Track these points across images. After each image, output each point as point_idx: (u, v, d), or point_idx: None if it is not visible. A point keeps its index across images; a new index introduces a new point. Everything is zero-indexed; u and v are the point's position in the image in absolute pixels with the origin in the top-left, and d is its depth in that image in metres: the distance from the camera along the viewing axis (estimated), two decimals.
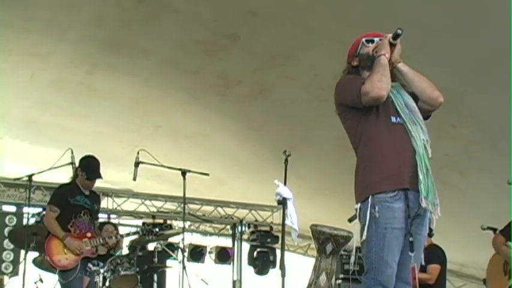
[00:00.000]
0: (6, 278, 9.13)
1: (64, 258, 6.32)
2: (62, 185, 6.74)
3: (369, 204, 3.48)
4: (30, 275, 7.48)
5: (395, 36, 3.63)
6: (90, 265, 6.52)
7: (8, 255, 9.46)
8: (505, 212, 7.34)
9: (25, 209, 9.40)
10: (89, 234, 6.48)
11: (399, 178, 3.50)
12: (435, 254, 6.67)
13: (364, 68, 3.74)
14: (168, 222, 10.40)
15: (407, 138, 3.56)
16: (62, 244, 6.33)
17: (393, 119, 3.60)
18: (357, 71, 3.79)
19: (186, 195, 7.37)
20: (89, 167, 6.57)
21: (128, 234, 7.63)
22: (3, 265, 9.42)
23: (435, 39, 6.11)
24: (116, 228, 7.78)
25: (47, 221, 6.58)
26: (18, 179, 8.23)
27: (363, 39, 3.77)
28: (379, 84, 3.52)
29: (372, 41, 3.75)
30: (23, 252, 8.14)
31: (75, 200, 6.49)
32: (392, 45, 3.64)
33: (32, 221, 9.23)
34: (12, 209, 9.92)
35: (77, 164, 6.66)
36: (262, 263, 10.95)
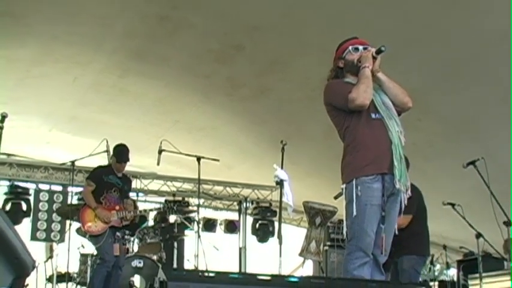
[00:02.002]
0: (54, 244, 9.14)
1: (94, 225, 6.32)
2: (100, 166, 6.78)
3: (353, 185, 3.48)
4: (74, 242, 7.50)
5: (378, 52, 3.61)
6: (118, 233, 6.49)
7: (56, 226, 9.45)
8: (461, 190, 7.33)
9: (69, 189, 9.38)
10: (117, 208, 6.47)
11: (378, 164, 3.50)
12: None
13: (348, 72, 3.72)
14: (186, 199, 10.39)
15: (384, 131, 3.56)
16: (94, 213, 6.33)
17: (373, 115, 3.59)
18: (342, 72, 3.75)
19: (200, 177, 7.36)
20: (118, 152, 6.59)
21: (152, 210, 7.62)
22: (52, 234, 9.41)
23: (405, 48, 6.08)
24: (134, 202, 7.69)
25: (84, 192, 6.60)
26: (64, 164, 8.20)
27: (350, 47, 3.72)
28: (364, 95, 3.51)
29: (357, 49, 3.71)
30: (68, 223, 8.14)
31: (109, 178, 6.51)
32: (374, 58, 3.61)
33: (75, 198, 9.26)
34: (58, 188, 9.92)
35: (111, 151, 6.67)
36: (263, 233, 10.94)
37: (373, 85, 3.60)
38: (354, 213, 3.45)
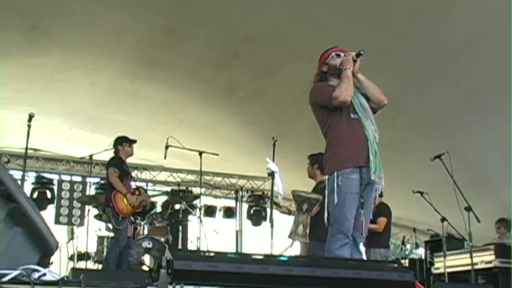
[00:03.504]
0: (75, 228, 9.10)
1: (125, 208, 6.19)
2: (115, 156, 6.50)
3: (335, 176, 3.48)
4: (92, 226, 7.52)
5: (358, 55, 3.62)
6: (131, 217, 6.44)
7: (76, 212, 9.41)
8: (429, 180, 7.34)
9: (88, 179, 9.39)
10: (137, 192, 6.38)
11: (356, 158, 3.50)
12: (383, 210, 6.62)
13: (331, 75, 3.72)
14: (189, 189, 10.38)
15: (362, 130, 3.56)
16: (124, 197, 6.19)
17: (352, 116, 3.59)
18: (326, 76, 3.75)
19: (202, 169, 7.36)
20: (125, 139, 6.47)
21: (161, 193, 7.56)
22: (73, 218, 9.38)
23: (381, 56, 6.09)
24: (146, 191, 7.65)
25: (112, 179, 6.26)
26: (83, 157, 8.22)
27: (333, 53, 3.73)
28: (345, 92, 3.51)
29: (339, 55, 3.72)
30: (87, 209, 8.13)
31: (126, 167, 6.41)
32: (354, 61, 3.62)
33: (93, 188, 9.26)
34: (78, 179, 9.89)
35: (115, 145, 6.50)
36: (257, 217, 10.91)
37: (352, 88, 3.61)
38: (335, 200, 3.45)
